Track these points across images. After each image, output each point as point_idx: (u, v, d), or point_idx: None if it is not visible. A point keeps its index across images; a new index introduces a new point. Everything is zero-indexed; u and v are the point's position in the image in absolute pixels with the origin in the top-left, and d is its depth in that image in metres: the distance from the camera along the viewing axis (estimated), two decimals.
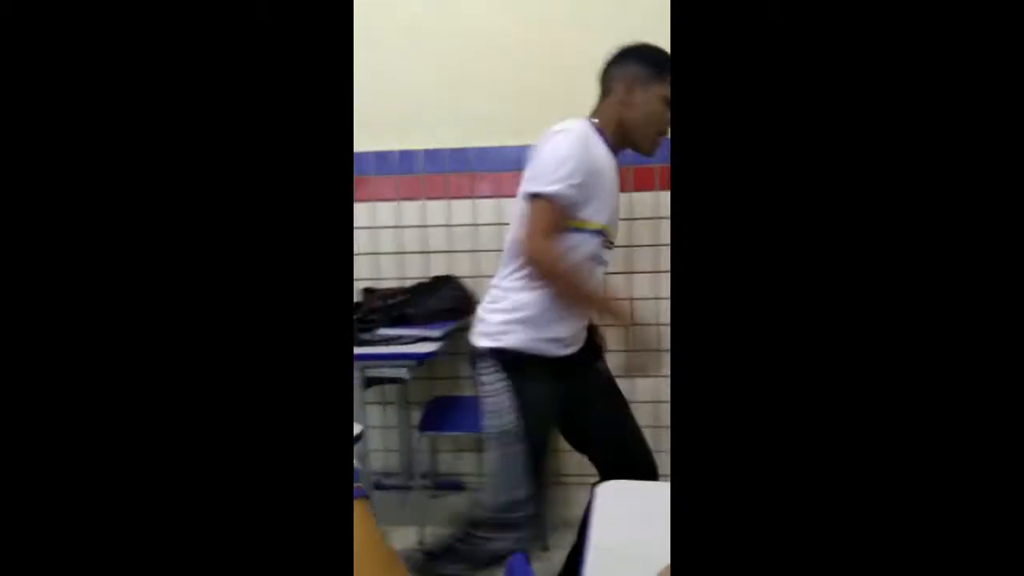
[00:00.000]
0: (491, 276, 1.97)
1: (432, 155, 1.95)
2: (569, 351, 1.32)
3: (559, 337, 1.28)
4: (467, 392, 2.02)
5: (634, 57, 1.31)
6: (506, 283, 1.30)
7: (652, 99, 1.29)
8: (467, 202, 1.96)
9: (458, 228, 1.98)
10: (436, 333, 1.79)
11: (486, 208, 1.96)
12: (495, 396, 1.26)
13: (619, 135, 1.31)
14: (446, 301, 1.87)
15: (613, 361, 1.66)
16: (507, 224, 1.90)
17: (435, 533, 1.73)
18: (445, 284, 1.91)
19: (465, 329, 1.98)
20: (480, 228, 1.98)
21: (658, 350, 1.97)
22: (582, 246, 1.26)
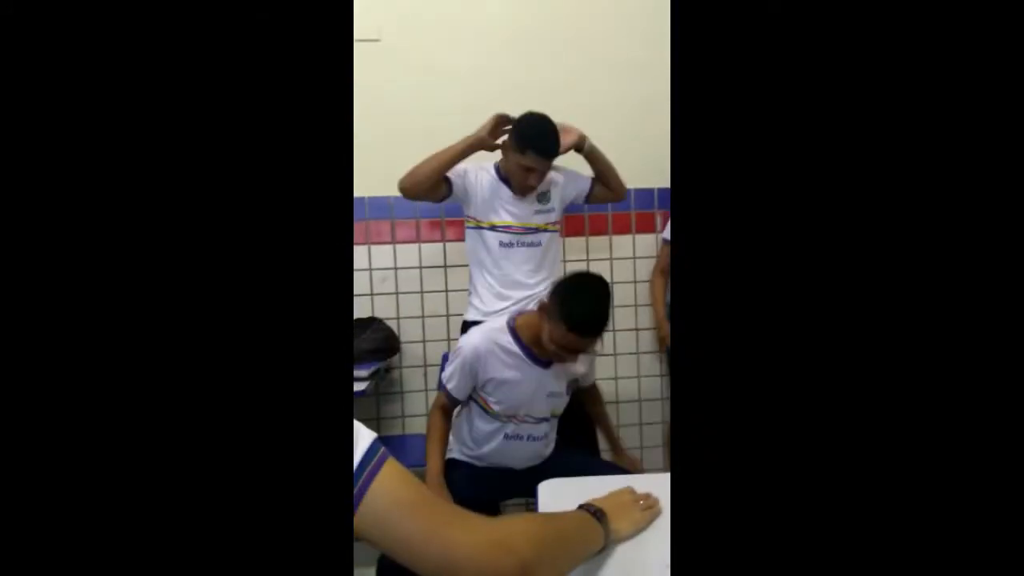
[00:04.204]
0: (414, 317, 2.07)
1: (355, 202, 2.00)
2: None
3: None
4: (396, 432, 2.06)
5: (515, 125, 1.63)
6: None
7: (513, 164, 1.62)
8: (387, 247, 2.04)
9: (378, 272, 2.04)
10: (363, 373, 1.82)
11: (407, 253, 2.06)
12: None
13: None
14: (370, 342, 1.91)
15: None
16: (428, 267, 2.04)
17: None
18: (369, 326, 1.95)
19: (390, 369, 2.04)
20: (400, 272, 2.06)
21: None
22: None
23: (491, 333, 1.36)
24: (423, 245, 2.05)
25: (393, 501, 0.46)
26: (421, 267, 2.05)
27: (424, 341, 2.07)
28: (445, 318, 2.06)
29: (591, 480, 0.92)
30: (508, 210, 1.69)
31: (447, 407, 1.40)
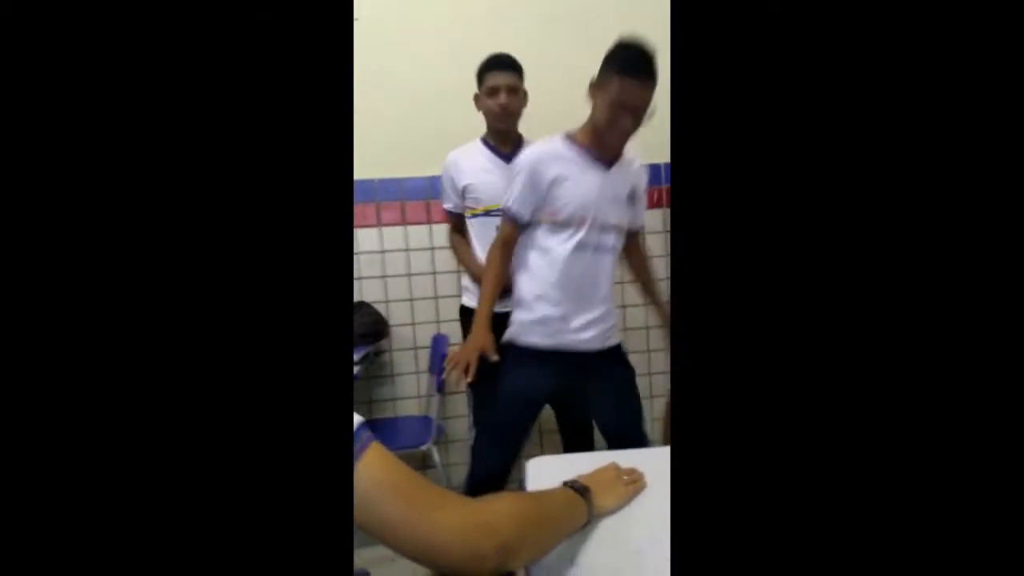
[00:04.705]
0: (402, 300, 2.07)
1: None
2: None
3: None
4: (388, 415, 2.07)
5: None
6: None
7: (483, 98, 1.65)
8: (373, 230, 2.03)
9: (364, 256, 2.04)
10: (353, 357, 1.83)
11: (393, 235, 2.05)
12: None
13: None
14: (359, 326, 1.91)
15: None
16: (415, 250, 2.03)
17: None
18: (357, 310, 1.95)
19: (380, 352, 2.04)
20: (387, 255, 2.05)
21: None
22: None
23: (547, 144, 1.35)
24: (409, 227, 2.04)
25: (375, 484, 0.47)
26: (408, 249, 2.05)
27: (413, 324, 2.07)
28: (434, 300, 2.06)
29: (577, 456, 0.93)
30: (496, 182, 1.63)
31: (509, 239, 1.37)
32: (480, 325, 1.32)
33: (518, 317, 1.38)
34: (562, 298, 1.33)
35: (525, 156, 1.34)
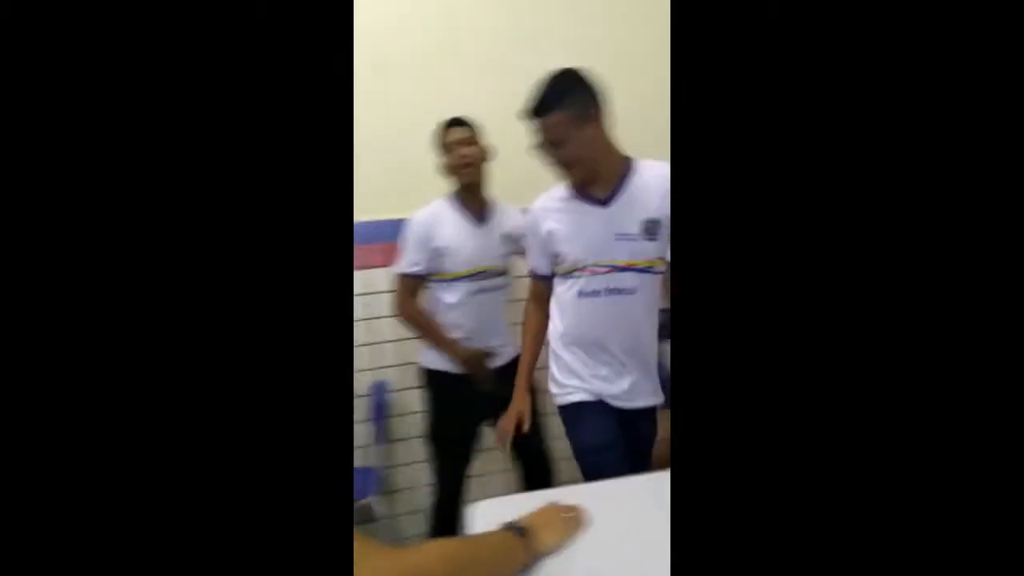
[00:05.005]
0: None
1: None
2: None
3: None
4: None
5: None
6: None
7: (445, 154, 1.65)
8: None
9: None
10: None
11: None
12: None
13: None
14: None
15: None
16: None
17: None
18: None
19: None
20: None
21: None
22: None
23: (546, 195, 1.33)
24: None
25: None
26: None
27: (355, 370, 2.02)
28: (368, 346, 2.02)
29: (522, 497, 0.93)
30: (471, 245, 1.63)
31: (539, 295, 1.38)
32: (520, 391, 1.33)
33: (551, 370, 1.36)
34: (581, 347, 1.30)
35: (528, 214, 1.35)
